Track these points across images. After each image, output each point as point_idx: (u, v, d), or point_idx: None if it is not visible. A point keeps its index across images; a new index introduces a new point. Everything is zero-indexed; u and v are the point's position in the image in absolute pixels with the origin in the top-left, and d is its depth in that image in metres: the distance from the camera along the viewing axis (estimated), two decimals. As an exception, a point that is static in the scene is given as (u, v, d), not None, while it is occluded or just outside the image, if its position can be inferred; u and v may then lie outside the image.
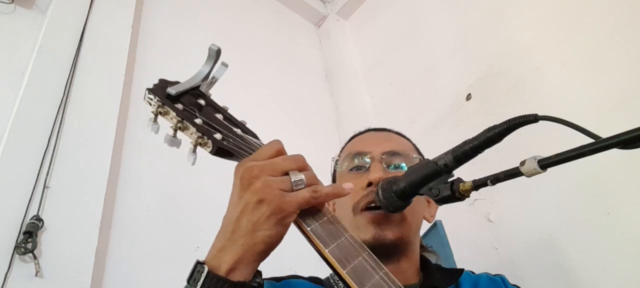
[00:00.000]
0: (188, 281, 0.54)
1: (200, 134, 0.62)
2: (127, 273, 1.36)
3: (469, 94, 1.99)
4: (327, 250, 0.55)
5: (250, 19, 2.56)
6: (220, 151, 0.62)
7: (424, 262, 0.89)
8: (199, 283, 0.52)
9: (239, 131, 0.65)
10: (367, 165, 0.87)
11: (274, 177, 0.55)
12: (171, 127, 0.63)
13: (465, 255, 1.55)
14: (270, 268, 0.70)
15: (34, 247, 1.19)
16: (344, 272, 0.54)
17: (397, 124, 2.28)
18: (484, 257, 1.66)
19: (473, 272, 0.90)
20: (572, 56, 1.68)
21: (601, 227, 1.42)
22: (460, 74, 2.07)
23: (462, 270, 0.87)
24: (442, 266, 0.92)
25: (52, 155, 1.37)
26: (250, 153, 0.61)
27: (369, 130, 1.02)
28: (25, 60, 1.53)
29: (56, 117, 1.44)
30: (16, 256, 1.17)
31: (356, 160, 0.90)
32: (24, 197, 1.26)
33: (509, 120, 0.57)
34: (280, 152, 0.59)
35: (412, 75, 2.33)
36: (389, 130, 1.02)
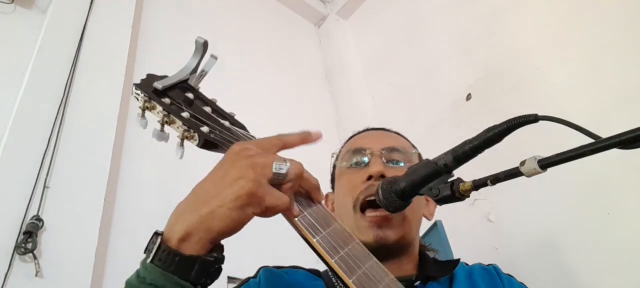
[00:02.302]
0: (144, 251, 0.52)
1: (186, 127, 0.61)
2: (127, 273, 1.35)
3: (469, 94, 1.99)
4: (314, 240, 0.54)
5: (250, 19, 2.56)
6: (207, 144, 0.61)
7: (422, 257, 0.90)
8: (152, 253, 0.50)
9: (226, 123, 0.64)
10: (367, 161, 0.87)
11: (264, 160, 0.53)
12: (158, 121, 0.63)
13: (465, 255, 1.54)
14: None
15: (34, 247, 1.19)
16: (332, 261, 0.53)
17: (397, 124, 2.28)
18: (484, 257, 1.65)
19: (467, 263, 0.91)
20: (572, 56, 1.68)
21: (601, 227, 1.42)
22: (460, 74, 2.07)
23: (458, 260, 0.87)
24: (438, 259, 0.93)
25: (52, 155, 1.37)
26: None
27: (367, 129, 1.03)
28: (25, 60, 1.53)
29: (56, 117, 1.44)
30: (16, 256, 1.17)
31: (356, 157, 0.90)
32: (24, 197, 1.26)
33: (508, 120, 0.57)
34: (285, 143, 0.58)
35: (412, 75, 2.33)
36: (388, 130, 1.03)
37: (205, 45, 0.64)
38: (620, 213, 1.39)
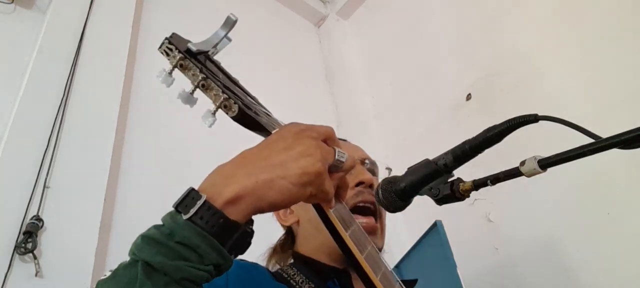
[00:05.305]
0: (176, 207, 0.46)
1: (226, 96, 0.56)
2: (127, 273, 1.35)
3: (469, 94, 1.99)
4: (347, 234, 0.55)
5: (250, 19, 2.56)
6: (243, 117, 0.57)
7: None
8: (193, 210, 0.44)
9: (255, 103, 0.63)
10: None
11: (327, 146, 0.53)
12: (192, 83, 0.57)
13: (465, 255, 1.54)
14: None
15: (34, 247, 1.19)
16: (362, 257, 0.54)
17: (397, 123, 2.29)
18: (484, 257, 1.66)
19: None
20: (572, 56, 1.68)
21: (601, 227, 1.42)
22: (460, 74, 2.07)
23: (415, 281, 0.88)
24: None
25: (52, 155, 1.37)
26: (273, 127, 0.58)
27: None
28: (25, 60, 1.53)
29: (56, 117, 1.44)
30: (16, 256, 1.17)
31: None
32: (24, 197, 1.26)
33: (509, 120, 0.57)
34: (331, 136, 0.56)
35: (412, 75, 2.33)
36: (348, 141, 1.05)
37: (234, 23, 0.61)
38: (620, 213, 1.39)
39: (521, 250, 1.59)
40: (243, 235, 0.46)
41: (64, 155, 1.40)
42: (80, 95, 1.54)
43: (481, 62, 2.00)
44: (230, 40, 0.64)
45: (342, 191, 0.59)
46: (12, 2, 1.63)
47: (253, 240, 0.49)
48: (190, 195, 0.46)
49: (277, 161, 0.48)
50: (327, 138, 0.54)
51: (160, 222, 0.46)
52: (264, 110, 0.63)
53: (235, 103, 0.56)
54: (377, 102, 2.51)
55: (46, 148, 1.36)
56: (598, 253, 1.40)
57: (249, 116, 0.57)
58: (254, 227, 0.49)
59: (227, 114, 0.57)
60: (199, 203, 0.44)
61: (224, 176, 0.48)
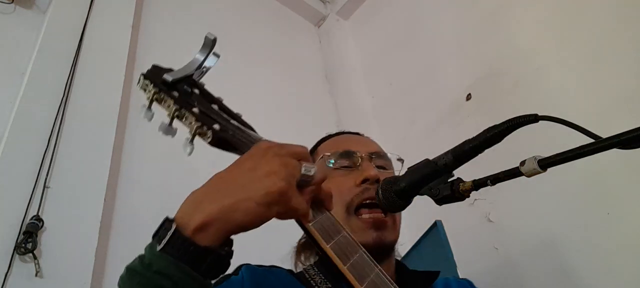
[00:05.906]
0: (153, 237, 0.49)
1: (199, 124, 0.59)
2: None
3: (469, 94, 1.99)
4: (328, 246, 0.55)
5: (250, 19, 2.56)
6: (219, 141, 0.59)
7: (398, 264, 0.90)
8: (164, 241, 0.47)
9: (235, 123, 0.63)
10: (358, 163, 0.87)
11: (294, 161, 0.53)
12: (168, 115, 0.60)
13: (465, 255, 1.54)
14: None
15: (34, 247, 1.19)
16: (345, 267, 0.54)
17: (397, 124, 2.29)
18: (484, 257, 1.66)
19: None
20: (572, 56, 1.68)
21: (601, 227, 1.42)
22: (460, 74, 2.07)
23: (438, 273, 0.87)
24: (415, 269, 0.93)
25: (52, 155, 1.37)
26: (249, 146, 0.58)
27: (343, 133, 1.03)
28: (25, 60, 1.53)
29: (56, 117, 1.44)
30: (16, 256, 1.17)
31: (345, 159, 0.88)
32: (24, 197, 1.26)
33: (509, 120, 0.58)
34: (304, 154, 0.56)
35: (412, 75, 2.33)
36: (362, 135, 1.03)
37: (214, 42, 0.62)
38: (620, 213, 1.39)
39: (521, 249, 1.59)
40: (218, 258, 0.48)
41: (64, 155, 1.40)
42: (80, 95, 1.54)
43: (481, 62, 2.00)
44: (218, 56, 0.65)
45: (326, 201, 0.59)
46: (12, 2, 1.63)
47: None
48: (165, 226, 0.49)
49: (241, 183, 0.50)
50: (299, 157, 0.54)
51: (143, 251, 0.50)
52: (243, 129, 0.62)
53: (209, 129, 0.59)
54: (377, 102, 2.51)
55: (46, 149, 1.36)
56: (598, 253, 1.40)
57: (225, 140, 0.59)
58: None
59: (204, 140, 0.60)
60: (170, 233, 0.47)
61: (193, 203, 0.50)
